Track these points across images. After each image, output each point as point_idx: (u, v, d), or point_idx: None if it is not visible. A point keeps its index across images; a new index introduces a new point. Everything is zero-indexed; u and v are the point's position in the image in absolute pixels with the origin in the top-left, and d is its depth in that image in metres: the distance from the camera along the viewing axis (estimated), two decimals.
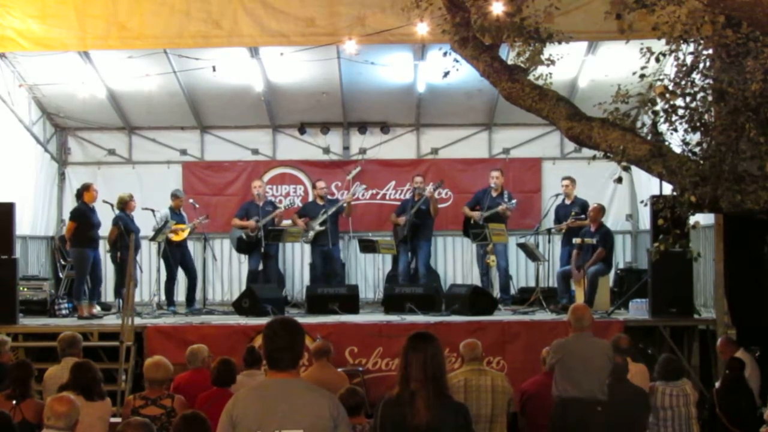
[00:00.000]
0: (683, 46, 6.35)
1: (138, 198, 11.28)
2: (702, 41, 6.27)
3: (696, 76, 6.36)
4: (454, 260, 12.86)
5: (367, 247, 11.72)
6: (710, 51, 6.37)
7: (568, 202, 11.61)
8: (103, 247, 11.17)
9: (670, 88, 6.28)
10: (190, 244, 11.83)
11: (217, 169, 12.92)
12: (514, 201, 11.49)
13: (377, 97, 12.19)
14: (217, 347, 8.11)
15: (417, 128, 12.96)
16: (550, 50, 7.42)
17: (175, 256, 11.22)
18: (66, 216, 12.27)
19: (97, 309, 10.80)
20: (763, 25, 5.89)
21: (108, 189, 11.37)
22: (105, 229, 10.90)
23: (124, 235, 10.33)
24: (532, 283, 11.87)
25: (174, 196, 11.55)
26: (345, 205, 11.76)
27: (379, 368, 9.31)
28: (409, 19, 8.18)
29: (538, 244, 11.57)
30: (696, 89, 6.28)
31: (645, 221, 11.81)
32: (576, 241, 10.83)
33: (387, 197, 12.85)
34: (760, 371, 8.20)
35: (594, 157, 7.33)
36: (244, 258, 11.99)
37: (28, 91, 11.61)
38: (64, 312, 10.83)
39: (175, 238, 11.20)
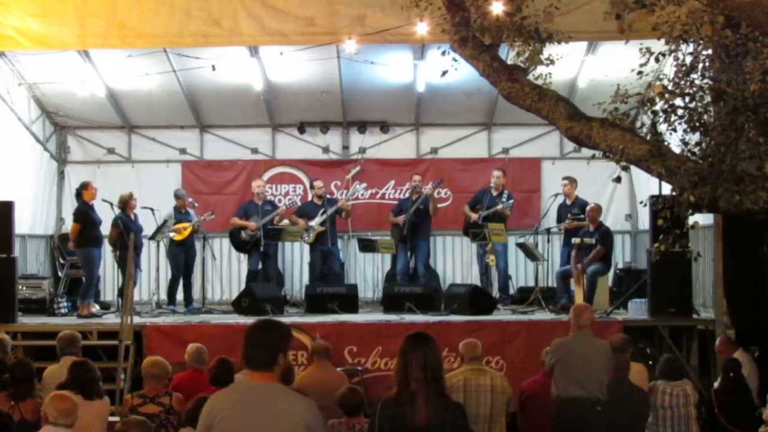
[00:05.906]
0: (683, 46, 6.37)
1: (137, 197, 11.21)
2: (701, 41, 6.30)
3: (695, 76, 6.37)
4: (454, 260, 12.85)
5: (367, 246, 11.70)
6: (710, 51, 6.39)
7: (568, 202, 11.59)
8: (106, 246, 11.14)
9: (670, 87, 6.30)
10: None
11: (217, 168, 12.90)
12: (511, 201, 11.48)
13: (377, 97, 12.18)
14: (216, 346, 8.09)
15: (416, 128, 12.95)
16: (550, 50, 7.44)
17: (178, 255, 11.21)
18: (65, 215, 12.31)
19: (96, 308, 10.80)
20: (763, 26, 5.90)
21: (107, 188, 11.32)
22: (105, 228, 10.86)
23: (124, 235, 10.32)
24: (531, 283, 11.87)
25: (176, 195, 11.48)
26: (343, 207, 11.74)
27: (378, 368, 9.30)
28: (408, 18, 8.20)
29: (538, 244, 11.56)
30: (695, 89, 6.29)
31: (644, 221, 11.80)
32: (575, 240, 10.83)
33: (386, 197, 12.83)
34: (758, 371, 8.21)
35: (593, 157, 7.38)
36: (244, 257, 11.97)
37: (27, 90, 11.59)
38: (63, 311, 10.81)
39: (176, 237, 11.16)
